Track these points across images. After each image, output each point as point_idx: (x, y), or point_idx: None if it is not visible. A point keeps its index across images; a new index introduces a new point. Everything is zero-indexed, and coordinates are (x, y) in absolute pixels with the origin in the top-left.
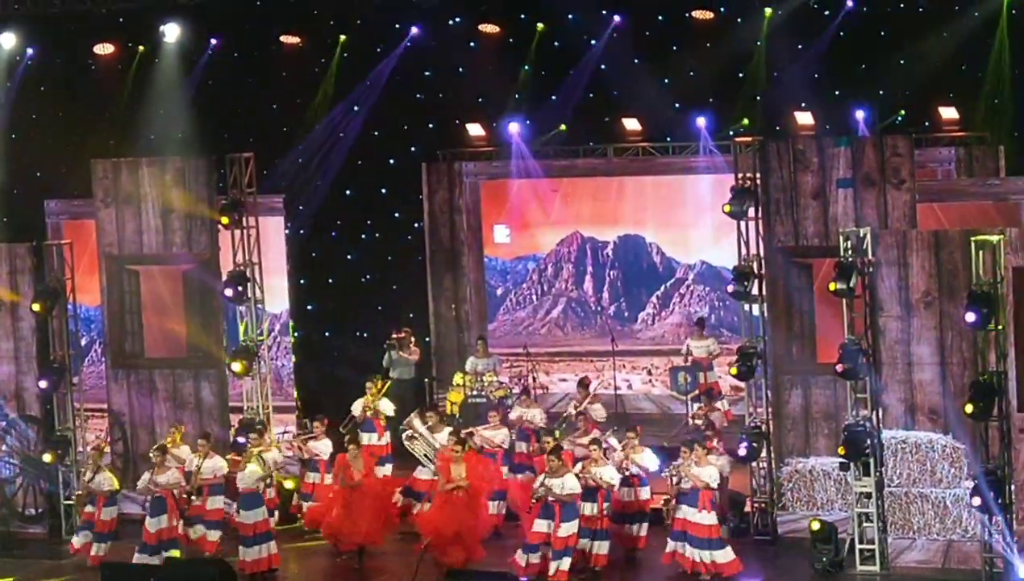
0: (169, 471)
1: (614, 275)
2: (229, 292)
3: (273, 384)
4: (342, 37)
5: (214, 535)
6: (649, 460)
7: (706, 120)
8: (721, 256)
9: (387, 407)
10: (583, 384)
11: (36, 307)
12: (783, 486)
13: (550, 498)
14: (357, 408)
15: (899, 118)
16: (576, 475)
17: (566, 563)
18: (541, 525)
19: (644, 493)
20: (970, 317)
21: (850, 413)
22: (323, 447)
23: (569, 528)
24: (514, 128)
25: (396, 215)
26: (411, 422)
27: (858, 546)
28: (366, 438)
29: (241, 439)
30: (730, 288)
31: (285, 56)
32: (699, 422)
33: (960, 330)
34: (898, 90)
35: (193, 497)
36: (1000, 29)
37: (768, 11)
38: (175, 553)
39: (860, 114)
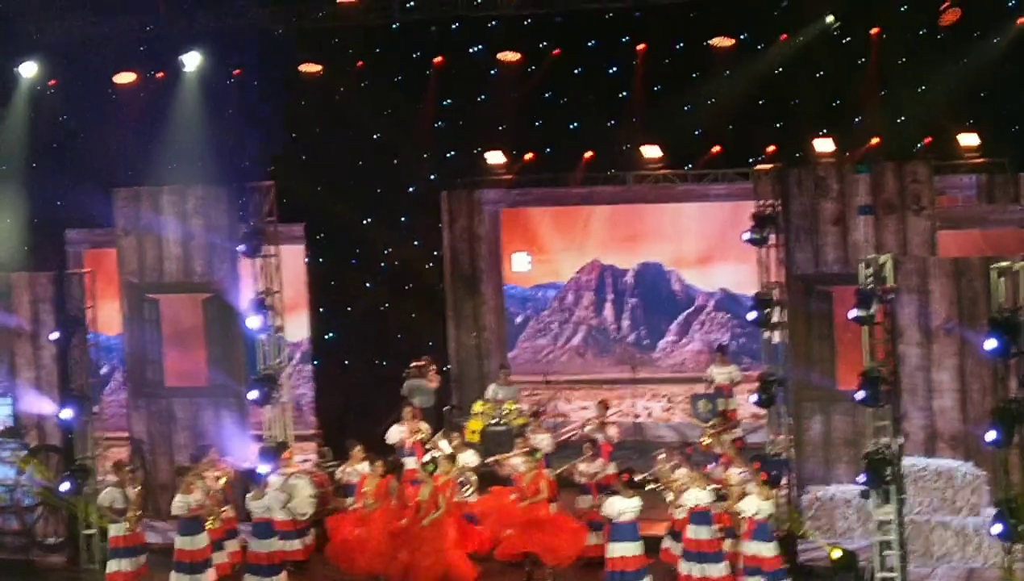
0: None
1: (634, 303)
2: (256, 322)
3: (293, 412)
4: (361, 65)
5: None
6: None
7: (726, 147)
8: (741, 283)
9: (426, 428)
10: (604, 404)
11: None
12: (803, 513)
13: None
14: (394, 436)
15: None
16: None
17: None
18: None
19: None
20: (990, 344)
21: (870, 440)
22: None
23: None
24: (529, 156)
25: (416, 243)
26: (438, 442)
27: (879, 574)
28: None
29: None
30: (751, 316)
31: (305, 85)
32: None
33: (980, 357)
34: (918, 117)
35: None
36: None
37: (785, 36)
38: None
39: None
